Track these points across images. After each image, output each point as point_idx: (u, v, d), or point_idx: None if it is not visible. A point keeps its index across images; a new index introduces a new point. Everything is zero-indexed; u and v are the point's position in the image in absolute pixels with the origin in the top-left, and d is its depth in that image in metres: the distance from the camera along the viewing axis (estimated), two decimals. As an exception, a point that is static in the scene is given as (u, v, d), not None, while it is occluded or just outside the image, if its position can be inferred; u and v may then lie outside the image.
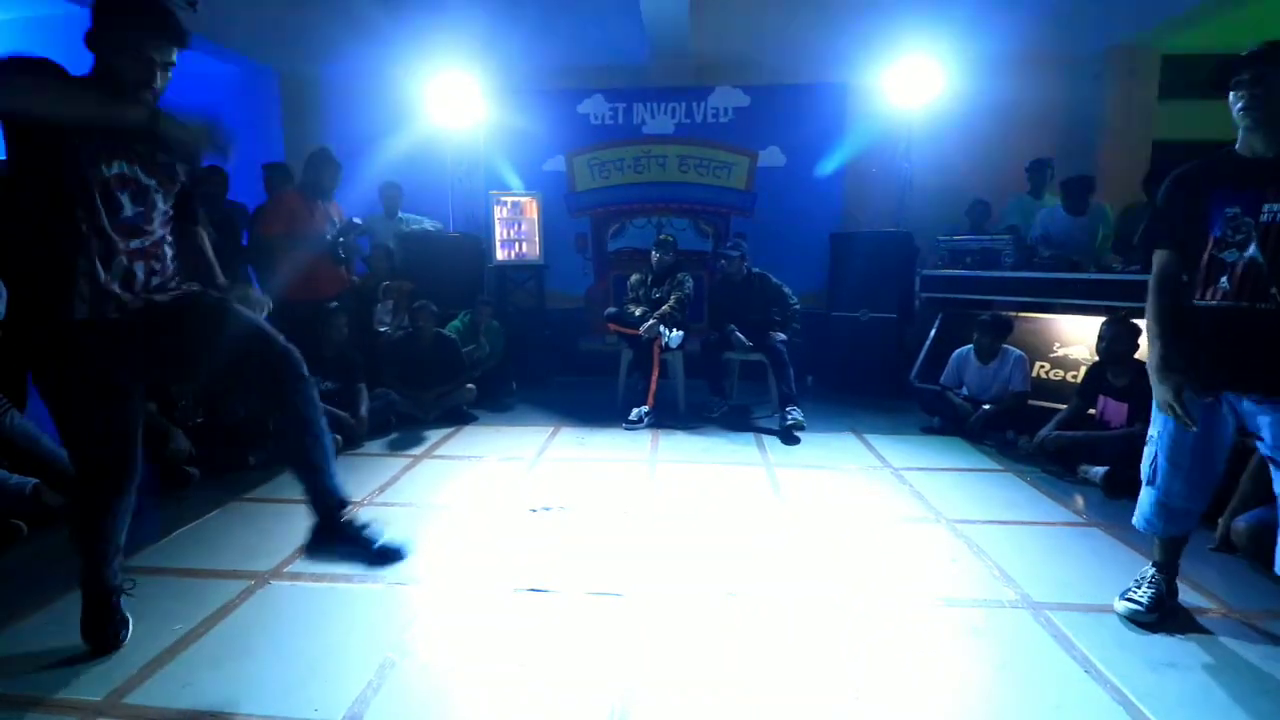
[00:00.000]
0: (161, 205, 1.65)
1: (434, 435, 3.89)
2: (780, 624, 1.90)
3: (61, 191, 1.48)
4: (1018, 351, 3.82)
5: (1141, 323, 3.12)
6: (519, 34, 5.91)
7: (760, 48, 5.81)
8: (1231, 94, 1.69)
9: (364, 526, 1.72)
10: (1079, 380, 3.56)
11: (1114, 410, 3.21)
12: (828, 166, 5.66)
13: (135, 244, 1.58)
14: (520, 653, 1.76)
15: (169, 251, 1.69)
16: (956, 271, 4.68)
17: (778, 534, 2.54)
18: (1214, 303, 1.74)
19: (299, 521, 2.61)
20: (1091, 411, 3.33)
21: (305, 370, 1.66)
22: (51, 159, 1.46)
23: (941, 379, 4.08)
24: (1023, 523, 2.68)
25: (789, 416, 3.87)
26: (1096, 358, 3.35)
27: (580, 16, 5.83)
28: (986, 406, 3.77)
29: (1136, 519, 2.00)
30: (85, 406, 1.61)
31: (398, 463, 3.35)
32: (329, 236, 3.91)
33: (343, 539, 1.69)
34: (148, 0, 1.55)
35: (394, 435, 3.88)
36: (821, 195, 5.73)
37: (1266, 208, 1.64)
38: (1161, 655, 1.76)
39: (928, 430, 4.03)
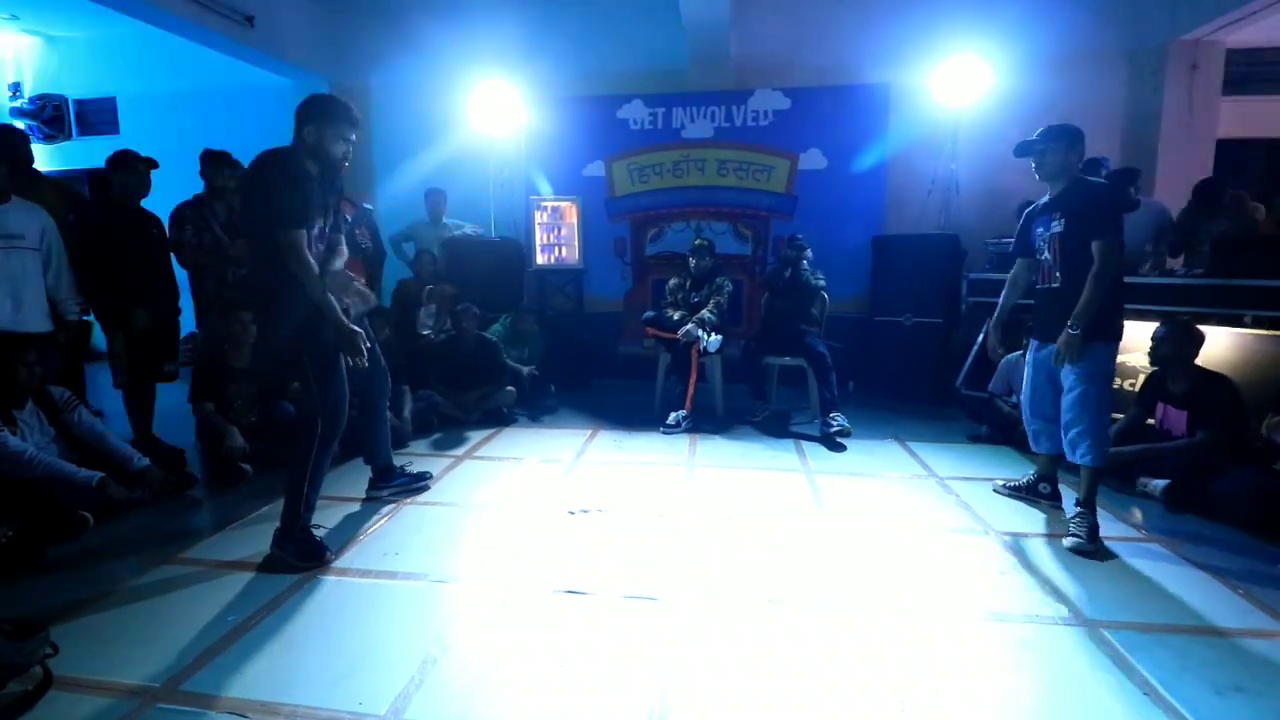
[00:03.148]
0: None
1: (475, 436, 3.95)
2: (820, 633, 1.87)
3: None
4: (1071, 358, 3.68)
5: (1204, 328, 3.02)
6: (559, 41, 6.00)
7: (801, 49, 5.75)
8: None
9: (401, 470, 3.00)
10: (1137, 388, 3.42)
11: (1174, 418, 3.06)
12: (870, 168, 5.56)
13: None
14: (558, 653, 1.77)
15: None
16: (1006, 275, 4.52)
17: (818, 542, 2.50)
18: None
19: (347, 518, 2.70)
20: (1151, 421, 3.19)
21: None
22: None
23: (990, 386, 3.96)
24: (1076, 536, 2.57)
25: (834, 423, 3.79)
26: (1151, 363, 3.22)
27: (620, 22, 5.88)
28: (1037, 415, 3.64)
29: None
30: (337, 368, 2.33)
31: (440, 462, 3.42)
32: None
33: (391, 479, 2.96)
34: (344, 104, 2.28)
35: (437, 435, 3.96)
36: (863, 197, 5.62)
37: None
38: (1229, 679, 1.67)
39: (975, 439, 3.91)
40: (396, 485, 2.95)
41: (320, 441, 2.32)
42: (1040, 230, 2.67)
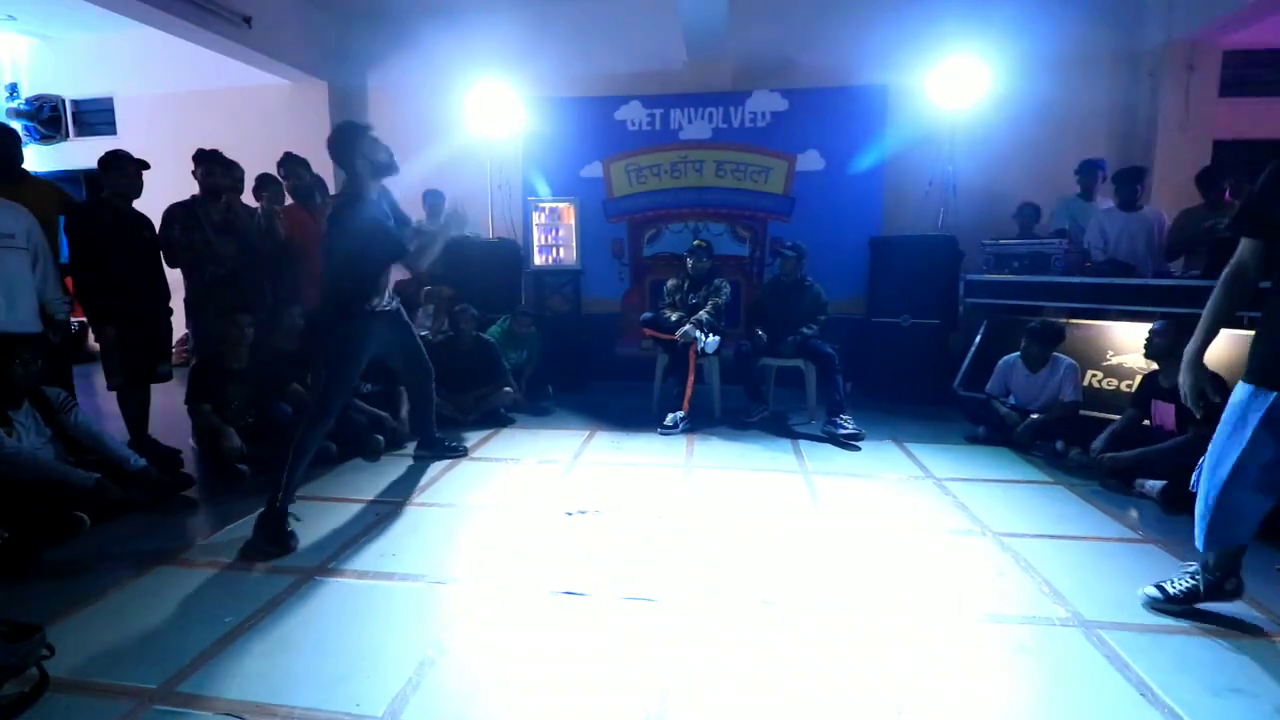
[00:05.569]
0: None
1: (473, 437, 3.95)
2: (818, 635, 1.87)
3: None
4: (1069, 360, 3.68)
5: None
6: (557, 42, 6.00)
7: (799, 50, 5.76)
8: None
9: (444, 438, 3.56)
10: (1133, 389, 3.42)
11: (1162, 412, 3.08)
12: (867, 169, 5.58)
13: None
14: (556, 654, 1.77)
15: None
16: (1003, 276, 4.54)
17: (815, 543, 2.50)
18: None
19: (344, 518, 2.70)
20: (1146, 422, 3.20)
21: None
22: None
23: (987, 387, 3.96)
24: (1074, 538, 2.57)
25: (845, 425, 3.79)
26: (1147, 362, 3.23)
27: (617, 23, 5.89)
28: (1035, 416, 3.65)
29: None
30: (352, 365, 2.75)
31: (438, 464, 3.41)
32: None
33: (436, 446, 3.52)
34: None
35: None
36: (861, 199, 5.64)
37: None
38: (1226, 680, 1.67)
39: (972, 440, 3.92)
40: (437, 451, 3.49)
41: (308, 422, 2.56)
42: None
